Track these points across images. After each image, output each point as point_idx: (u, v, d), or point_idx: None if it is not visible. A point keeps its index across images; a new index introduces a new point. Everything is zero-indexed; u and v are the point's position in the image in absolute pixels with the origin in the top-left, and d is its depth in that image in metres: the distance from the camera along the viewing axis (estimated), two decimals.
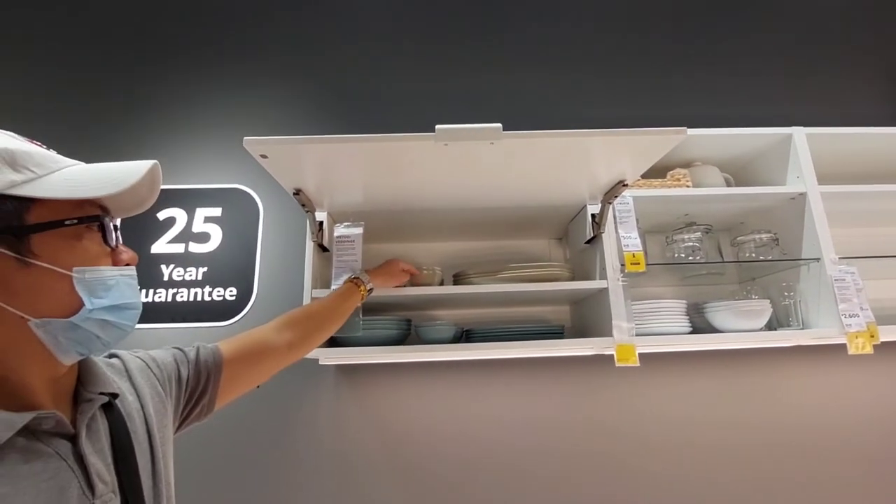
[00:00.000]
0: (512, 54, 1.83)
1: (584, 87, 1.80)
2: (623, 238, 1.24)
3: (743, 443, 1.43)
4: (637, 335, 1.19)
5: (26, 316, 0.46)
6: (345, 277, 1.09)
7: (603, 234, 1.24)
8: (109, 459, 0.52)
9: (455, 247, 1.57)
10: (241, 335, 0.81)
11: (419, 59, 1.82)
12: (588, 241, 1.30)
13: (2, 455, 0.43)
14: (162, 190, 0.57)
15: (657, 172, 1.36)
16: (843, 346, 1.22)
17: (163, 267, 1.53)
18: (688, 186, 1.41)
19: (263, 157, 0.88)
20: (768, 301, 1.32)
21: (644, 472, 1.40)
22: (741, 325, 1.29)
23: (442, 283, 1.36)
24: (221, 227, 1.58)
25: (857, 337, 1.22)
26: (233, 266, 1.55)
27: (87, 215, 0.51)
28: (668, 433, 1.44)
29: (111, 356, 0.64)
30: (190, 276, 1.53)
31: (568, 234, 1.49)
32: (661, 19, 1.89)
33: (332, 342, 1.22)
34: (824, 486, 1.41)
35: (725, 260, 1.51)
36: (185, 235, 1.57)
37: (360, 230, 1.17)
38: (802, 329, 1.34)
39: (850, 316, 1.23)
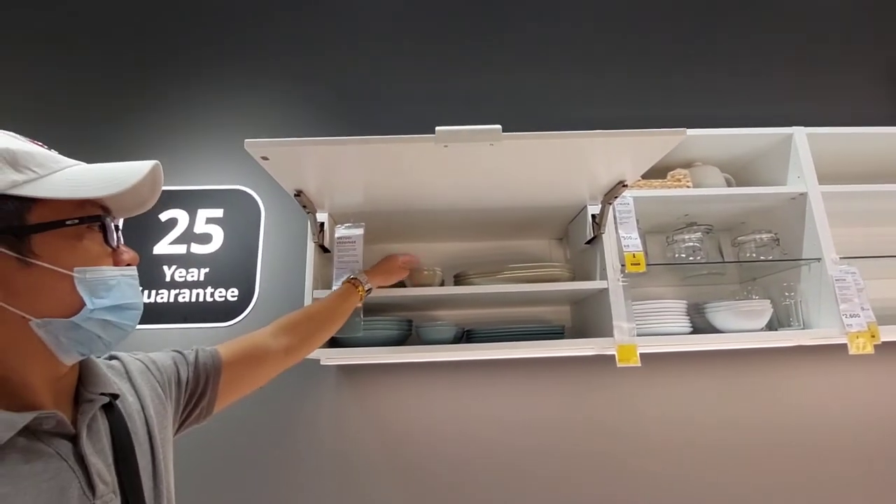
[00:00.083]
0: (512, 54, 1.83)
1: (584, 87, 1.80)
2: (623, 238, 1.24)
3: (743, 443, 1.43)
4: (638, 335, 1.19)
5: (27, 316, 0.46)
6: (344, 278, 1.09)
7: (603, 235, 1.24)
8: (110, 460, 0.52)
9: (456, 247, 1.57)
10: (240, 339, 0.81)
11: (419, 59, 1.82)
12: (588, 242, 1.30)
13: (3, 455, 0.43)
14: (163, 191, 0.57)
15: (657, 173, 1.36)
16: (843, 347, 1.22)
17: (165, 268, 1.54)
18: (688, 187, 1.41)
19: (264, 158, 0.89)
20: (769, 301, 1.32)
21: (644, 473, 1.40)
22: (742, 326, 1.29)
23: (443, 284, 1.37)
24: (223, 228, 1.59)
25: (858, 337, 1.22)
26: (234, 267, 1.55)
27: (88, 215, 0.51)
28: (669, 433, 1.44)
29: (111, 358, 0.64)
30: (192, 276, 1.53)
31: (568, 234, 1.49)
32: (661, 19, 1.89)
33: (334, 342, 1.22)
34: (825, 486, 1.41)
35: (726, 260, 1.51)
36: (187, 236, 1.57)
37: (360, 231, 1.17)
38: (803, 329, 1.34)
39: (851, 316, 1.23)
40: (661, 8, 1.91)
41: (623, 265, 1.21)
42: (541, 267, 1.28)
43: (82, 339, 0.50)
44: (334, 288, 1.09)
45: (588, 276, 1.30)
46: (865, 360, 1.46)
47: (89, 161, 0.53)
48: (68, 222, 0.48)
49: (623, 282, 1.21)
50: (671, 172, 1.44)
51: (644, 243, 1.30)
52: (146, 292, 1.51)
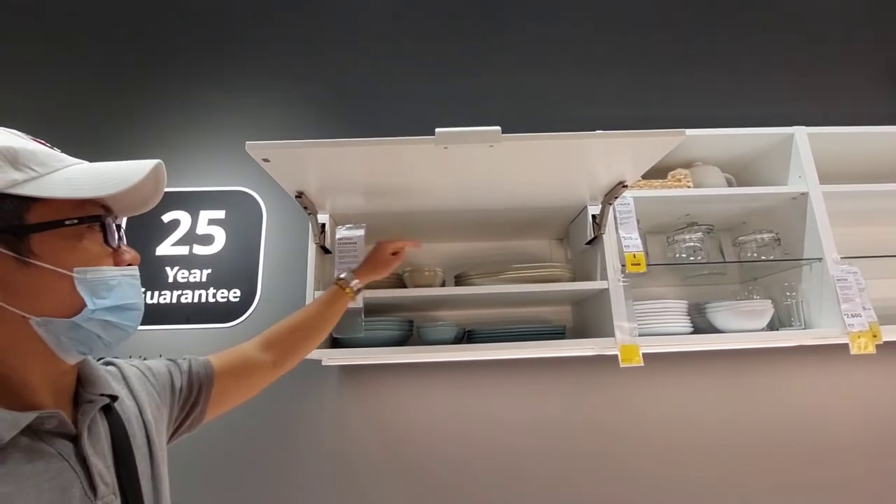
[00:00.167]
0: (512, 54, 1.84)
1: (584, 87, 1.80)
2: (624, 238, 1.24)
3: (744, 443, 1.43)
4: (639, 335, 1.19)
5: (27, 315, 0.46)
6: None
7: (604, 235, 1.24)
8: (110, 461, 0.52)
9: (456, 248, 1.57)
10: (230, 350, 0.81)
11: (419, 59, 1.82)
12: (589, 242, 1.30)
13: (5, 454, 0.43)
14: (166, 192, 0.57)
15: (658, 173, 1.36)
16: (845, 346, 1.22)
17: (167, 269, 1.54)
18: (689, 187, 1.41)
19: (266, 160, 0.89)
20: (770, 301, 1.32)
21: (645, 473, 1.40)
22: (743, 326, 1.29)
23: (443, 284, 1.37)
24: (225, 230, 1.59)
25: (859, 337, 1.21)
26: (236, 268, 1.56)
27: (88, 215, 0.50)
28: (669, 433, 1.44)
29: (107, 364, 0.64)
30: (194, 277, 1.54)
31: (569, 234, 1.49)
32: (661, 19, 1.89)
33: (335, 343, 1.22)
34: (825, 486, 1.40)
35: (727, 260, 1.51)
36: (190, 238, 1.58)
37: (361, 232, 1.17)
38: (804, 329, 1.34)
39: (853, 316, 1.23)
40: (661, 8, 1.91)
41: (623, 265, 1.21)
42: (541, 267, 1.28)
43: (83, 338, 0.50)
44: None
45: (589, 277, 1.30)
46: (867, 360, 1.46)
47: (90, 162, 0.53)
48: (67, 222, 0.48)
49: (624, 282, 1.21)
50: (671, 172, 1.44)
51: (644, 243, 1.30)
52: (149, 293, 1.51)
